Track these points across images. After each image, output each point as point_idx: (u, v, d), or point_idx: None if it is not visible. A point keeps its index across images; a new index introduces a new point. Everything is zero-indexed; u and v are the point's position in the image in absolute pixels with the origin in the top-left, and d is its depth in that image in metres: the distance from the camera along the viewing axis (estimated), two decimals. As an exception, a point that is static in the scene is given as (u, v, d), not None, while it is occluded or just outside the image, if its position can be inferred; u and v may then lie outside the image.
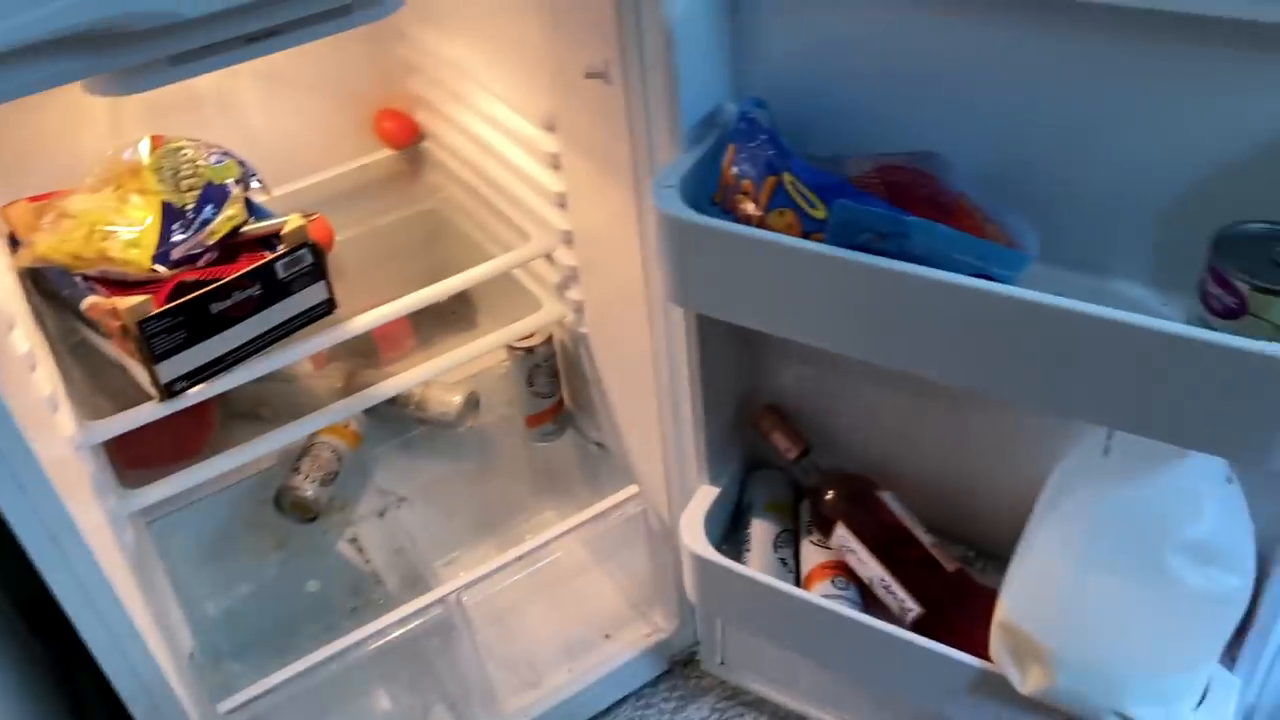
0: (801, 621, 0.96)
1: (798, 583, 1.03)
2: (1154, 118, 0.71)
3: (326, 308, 1.07)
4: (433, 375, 1.20)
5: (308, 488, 1.22)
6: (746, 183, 0.76)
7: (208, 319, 0.98)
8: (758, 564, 1.02)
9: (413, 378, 1.17)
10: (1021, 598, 0.83)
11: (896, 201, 0.78)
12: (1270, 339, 0.62)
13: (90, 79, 0.79)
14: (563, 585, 1.30)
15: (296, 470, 1.24)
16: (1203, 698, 0.80)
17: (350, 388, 1.31)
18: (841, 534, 0.97)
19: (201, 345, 0.99)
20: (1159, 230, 0.76)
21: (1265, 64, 0.65)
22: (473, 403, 1.33)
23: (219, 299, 0.99)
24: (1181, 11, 0.63)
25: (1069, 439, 0.83)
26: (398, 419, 1.35)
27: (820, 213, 0.72)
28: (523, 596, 1.24)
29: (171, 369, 0.98)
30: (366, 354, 1.36)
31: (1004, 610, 0.84)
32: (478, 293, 1.40)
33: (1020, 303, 0.66)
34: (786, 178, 0.73)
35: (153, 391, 0.98)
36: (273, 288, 1.02)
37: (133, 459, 1.16)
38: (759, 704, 1.29)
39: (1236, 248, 0.65)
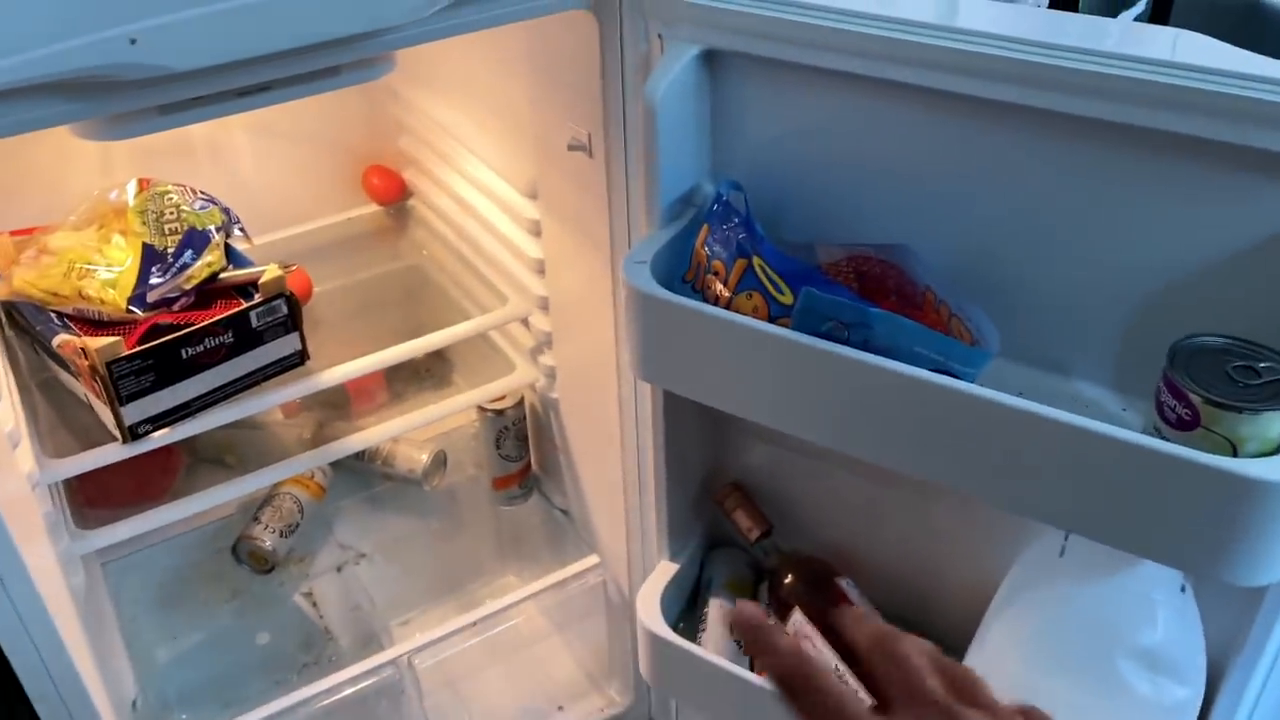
0: (755, 706, 0.94)
1: (753, 666, 1.02)
2: (1119, 224, 0.73)
3: (298, 359, 1.07)
4: (402, 431, 1.20)
5: (266, 538, 1.21)
6: (718, 263, 0.77)
7: (178, 363, 0.98)
8: (713, 644, 1.01)
9: (382, 433, 1.17)
10: (972, 695, 0.82)
11: (865, 291, 0.79)
12: (1222, 453, 0.63)
13: (78, 124, 0.80)
14: (518, 652, 1.29)
15: (257, 520, 1.23)
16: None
17: (319, 438, 1.30)
18: (798, 620, 0.96)
19: (169, 389, 0.99)
20: (1121, 333, 0.77)
21: (1230, 180, 0.66)
22: (440, 461, 1.33)
23: (191, 344, 0.99)
24: (1148, 127, 0.65)
25: (1030, 532, 0.83)
26: (364, 473, 1.34)
27: (787, 298, 0.73)
28: (477, 661, 1.22)
29: (137, 411, 0.97)
30: (338, 405, 1.35)
31: (955, 706, 0.83)
32: (453, 351, 1.40)
33: (974, 400, 0.66)
34: (756, 261, 0.74)
35: (116, 433, 0.98)
36: (245, 336, 1.02)
37: (94, 497, 1.15)
38: (713, 784, 1.27)
39: (1192, 360, 0.66)
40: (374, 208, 1.38)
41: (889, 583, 1.00)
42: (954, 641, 0.97)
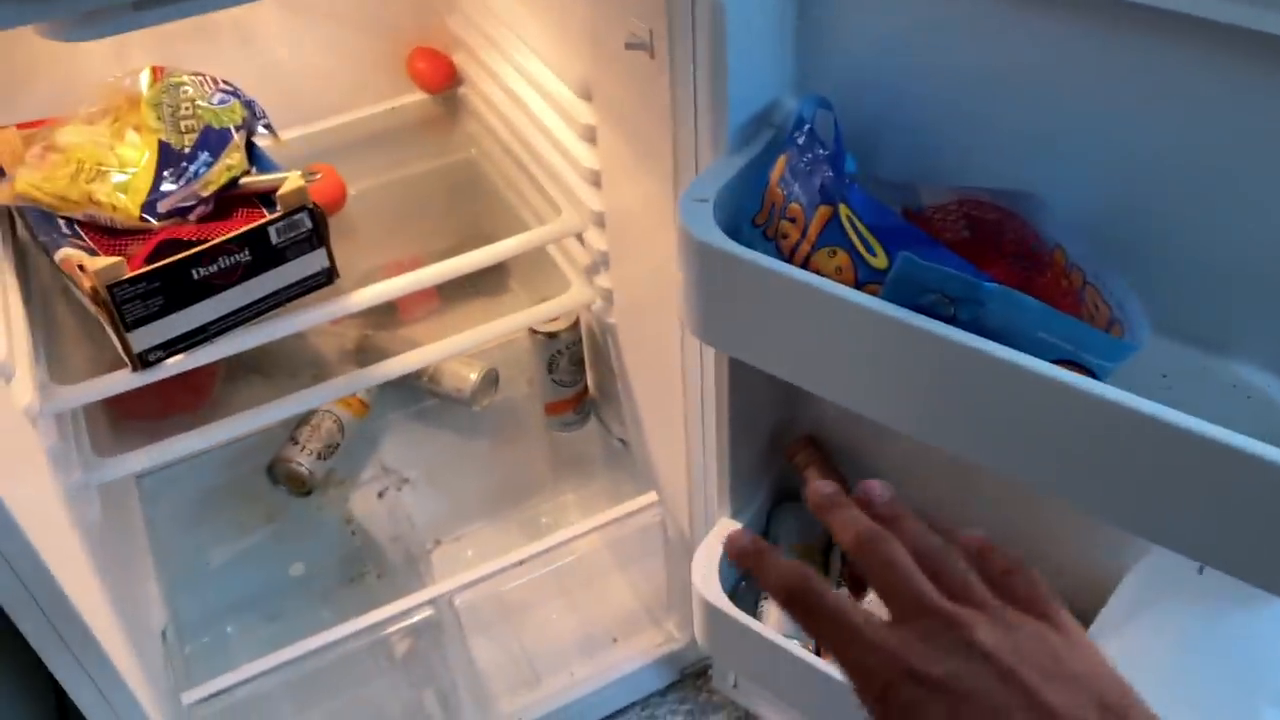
0: (816, 690, 0.84)
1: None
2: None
3: (326, 277, 0.96)
4: (451, 354, 1.10)
5: (304, 461, 1.13)
6: (795, 207, 0.63)
7: (189, 285, 0.88)
8: (775, 616, 0.91)
9: (427, 355, 1.06)
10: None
11: (979, 244, 0.64)
12: None
13: (44, 23, 0.68)
14: (573, 584, 1.21)
15: (294, 440, 1.15)
16: None
17: (362, 349, 1.21)
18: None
19: (181, 313, 0.89)
20: (1301, 311, 0.61)
21: None
22: (491, 380, 1.23)
23: (202, 264, 0.88)
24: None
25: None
26: (410, 388, 1.25)
27: (880, 261, 0.59)
28: (529, 591, 1.15)
29: (146, 338, 0.88)
30: (384, 311, 1.25)
31: None
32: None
33: (1112, 407, 0.52)
34: (844, 211, 0.60)
35: (126, 359, 0.89)
36: (264, 254, 0.91)
37: (125, 412, 1.08)
38: (771, 729, 1.19)
39: None
40: (420, 96, 1.24)
41: (980, 559, 0.88)
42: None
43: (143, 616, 1.02)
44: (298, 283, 0.95)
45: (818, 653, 0.88)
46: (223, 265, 0.89)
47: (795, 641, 0.88)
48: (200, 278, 0.89)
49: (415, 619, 1.03)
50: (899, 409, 0.62)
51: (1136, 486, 0.54)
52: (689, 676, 1.25)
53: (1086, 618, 0.73)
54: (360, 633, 1.01)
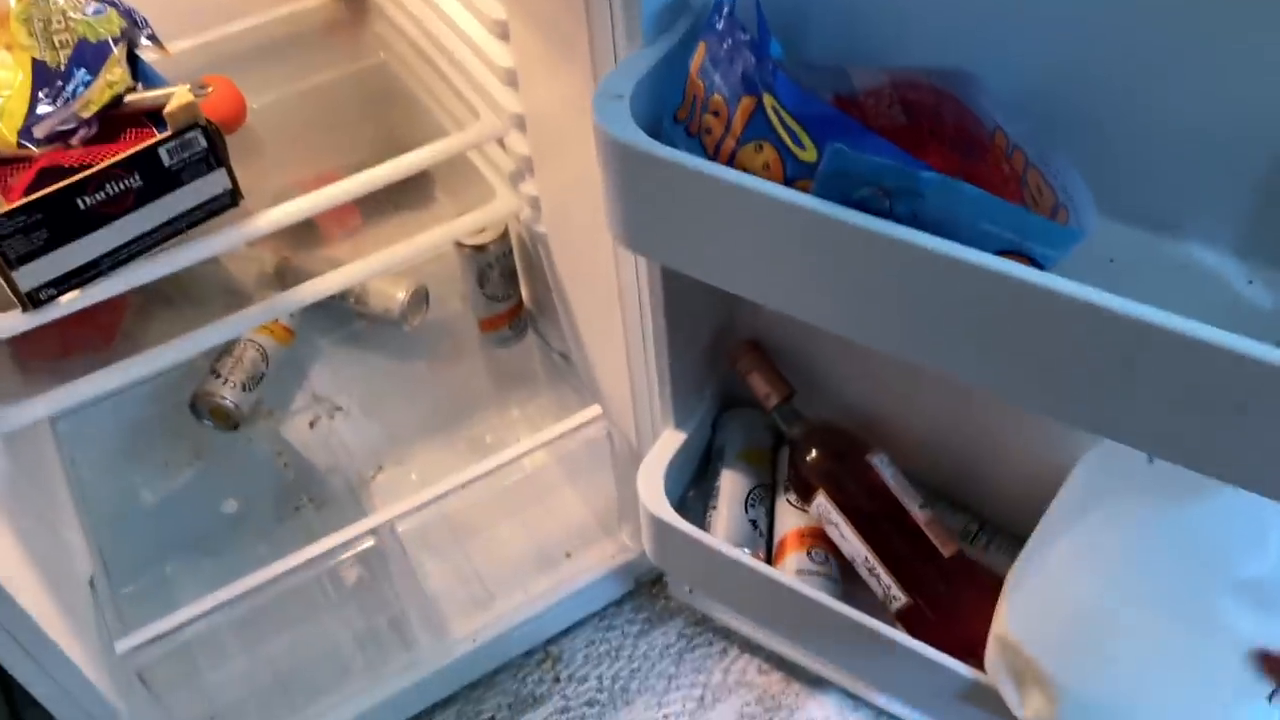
0: (767, 598, 0.82)
1: (770, 547, 0.90)
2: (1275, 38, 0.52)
3: (229, 199, 0.90)
4: (376, 273, 1.04)
5: (227, 394, 1.08)
6: (717, 99, 0.58)
7: (76, 216, 0.81)
8: (724, 526, 0.88)
9: (350, 276, 1.00)
10: (1028, 613, 0.69)
11: (914, 130, 0.59)
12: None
13: None
14: (521, 501, 1.18)
15: (215, 373, 1.09)
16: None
17: (282, 273, 1.15)
18: (822, 503, 0.82)
19: (70, 247, 0.82)
20: (1254, 184, 0.58)
21: None
22: (421, 297, 1.17)
23: (88, 192, 0.81)
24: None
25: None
26: (336, 310, 1.19)
27: (809, 154, 0.54)
28: (478, 512, 1.12)
29: (33, 275, 0.81)
30: (303, 232, 1.18)
31: (1005, 623, 0.70)
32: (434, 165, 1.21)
33: (1064, 300, 0.49)
34: (768, 101, 0.55)
35: (15, 299, 0.83)
36: (157, 177, 0.84)
37: (31, 351, 1.02)
38: (729, 633, 1.18)
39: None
40: (325, -4, 1.15)
41: (930, 456, 0.86)
42: (1006, 522, 0.83)
43: (66, 566, 0.97)
44: (198, 207, 0.88)
45: (767, 562, 0.86)
46: (111, 192, 0.82)
47: (744, 550, 0.86)
48: (88, 207, 0.82)
49: (359, 548, 1.00)
50: (836, 311, 0.58)
51: (1087, 382, 0.51)
52: (644, 585, 1.24)
53: (1038, 513, 0.71)
54: (301, 567, 0.97)
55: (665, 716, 1.14)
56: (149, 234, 0.86)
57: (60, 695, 0.88)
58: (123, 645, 0.92)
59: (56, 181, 0.80)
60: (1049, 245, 0.51)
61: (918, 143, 0.56)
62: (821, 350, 0.87)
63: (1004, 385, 0.54)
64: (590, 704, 1.16)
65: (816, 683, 1.12)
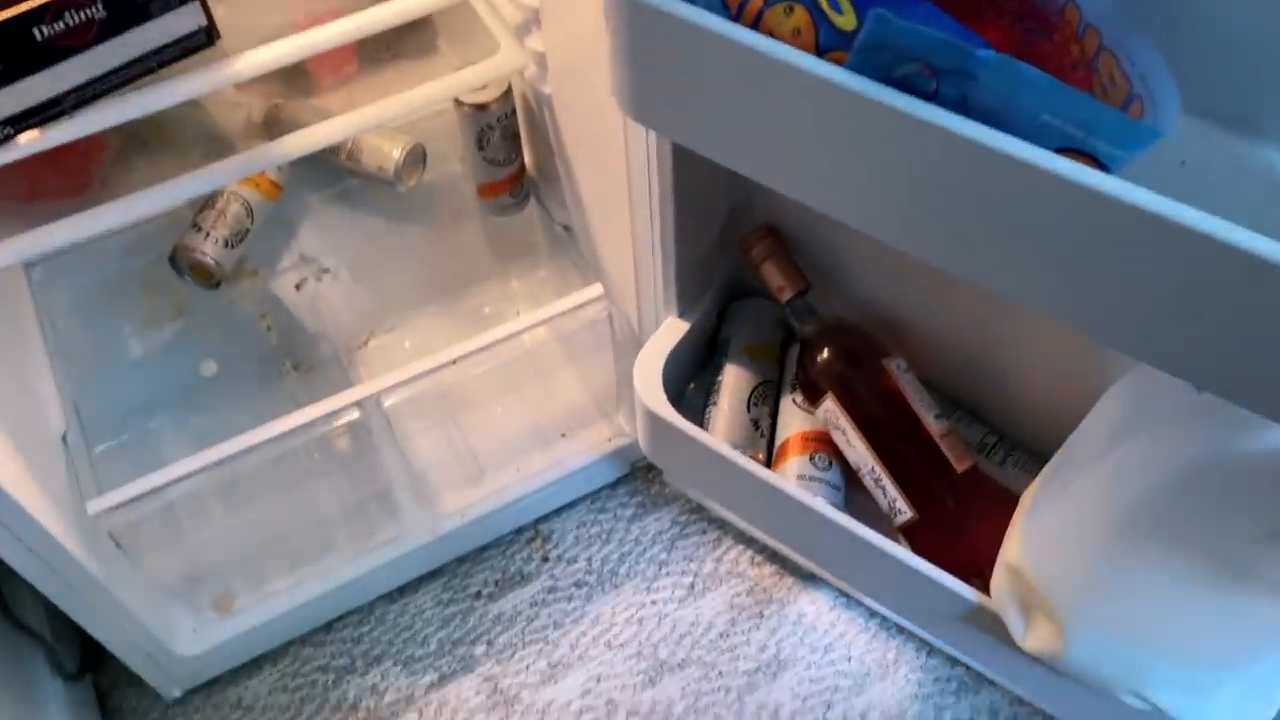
0: (763, 503, 0.78)
1: (771, 448, 0.85)
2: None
3: (205, 36, 0.82)
4: (369, 125, 0.96)
5: (209, 249, 1.01)
6: (745, -51, 0.50)
7: (33, 48, 0.74)
8: (724, 423, 0.83)
9: (343, 127, 0.93)
10: (1043, 543, 0.64)
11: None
12: None
13: None
14: (518, 377, 1.13)
15: (197, 226, 1.03)
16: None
17: (271, 122, 1.07)
18: (830, 408, 0.77)
19: (27, 81, 0.75)
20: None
21: None
22: (417, 156, 1.09)
23: (46, 21, 0.74)
24: None
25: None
26: (327, 165, 1.11)
27: (847, 20, 0.46)
28: (472, 386, 1.07)
29: (-13, 111, 0.75)
30: (295, 77, 1.10)
31: (1017, 549, 0.66)
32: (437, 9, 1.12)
33: (1145, 216, 0.41)
34: (803, -48, 0.47)
35: (-30, 136, 0.76)
36: (122, 9, 0.76)
37: (4, 192, 0.96)
38: (723, 524, 1.15)
39: None
40: None
41: (949, 367, 0.80)
42: (1025, 437, 0.78)
43: (36, 420, 0.93)
44: (170, 44, 0.80)
45: (767, 464, 0.81)
46: (71, 23, 0.75)
47: (742, 451, 0.81)
48: (46, 38, 0.74)
49: (343, 420, 0.95)
50: (863, 207, 0.51)
51: (1151, 307, 0.44)
52: (640, 470, 1.20)
53: (1060, 429, 0.66)
54: (280, 437, 0.93)
55: (654, 602, 1.12)
56: (115, 71, 0.79)
57: (26, 554, 0.85)
58: (94, 506, 0.89)
59: (10, 8, 0.73)
60: (1118, 144, 0.44)
61: (973, 12, 0.48)
62: (843, 243, 0.80)
63: (1052, 303, 0.47)
64: (578, 584, 1.14)
65: (810, 578, 1.09)
